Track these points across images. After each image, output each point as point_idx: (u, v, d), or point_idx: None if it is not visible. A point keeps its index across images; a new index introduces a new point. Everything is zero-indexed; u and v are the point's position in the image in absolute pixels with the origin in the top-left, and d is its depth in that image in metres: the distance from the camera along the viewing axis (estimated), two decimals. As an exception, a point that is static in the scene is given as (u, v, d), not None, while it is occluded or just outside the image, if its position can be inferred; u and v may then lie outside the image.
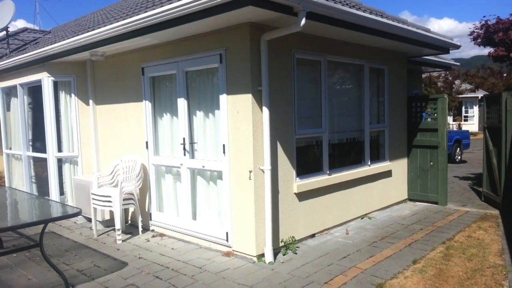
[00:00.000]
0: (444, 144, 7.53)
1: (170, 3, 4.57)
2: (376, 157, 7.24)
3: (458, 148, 14.71)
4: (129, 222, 6.81)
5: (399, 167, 7.72)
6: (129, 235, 6.20)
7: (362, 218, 6.76)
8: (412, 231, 6.09)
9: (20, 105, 8.00)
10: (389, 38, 6.16)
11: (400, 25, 6.18)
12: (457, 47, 7.80)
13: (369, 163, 6.92)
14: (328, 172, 6.07)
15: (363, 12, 5.54)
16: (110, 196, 5.92)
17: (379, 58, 7.12)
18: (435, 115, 7.66)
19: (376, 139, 7.32)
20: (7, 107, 8.83)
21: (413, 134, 7.88)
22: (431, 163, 7.68)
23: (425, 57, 9.04)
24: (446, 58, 11.23)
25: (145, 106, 6.33)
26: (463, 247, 5.31)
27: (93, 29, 5.84)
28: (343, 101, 6.71)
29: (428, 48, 7.33)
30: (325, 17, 4.85)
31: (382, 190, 7.26)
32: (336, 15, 4.95)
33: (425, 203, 7.79)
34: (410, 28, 6.42)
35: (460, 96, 32.13)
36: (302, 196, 5.62)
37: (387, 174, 7.36)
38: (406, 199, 7.98)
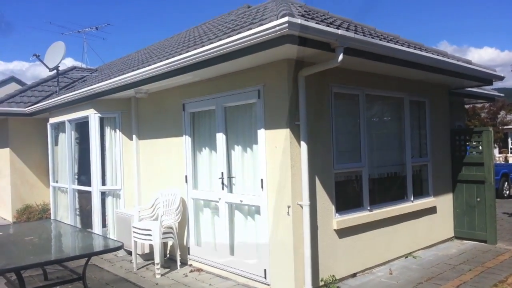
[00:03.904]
0: (491, 179, 7.19)
1: (211, 43, 4.75)
2: (419, 193, 6.98)
3: (506, 183, 13.97)
4: (168, 255, 6.84)
5: (444, 203, 7.41)
6: (167, 269, 6.21)
7: (406, 257, 6.47)
8: (460, 271, 5.76)
9: (67, 140, 8.39)
10: (429, 71, 6.06)
11: (439, 57, 6.09)
12: (500, 78, 7.55)
13: (412, 199, 6.68)
14: (369, 208, 5.90)
15: (401, 45, 5.51)
16: (150, 230, 6.00)
17: (419, 90, 7.00)
18: (480, 148, 7.36)
19: (419, 173, 7.09)
20: (55, 142, 9.28)
21: (458, 168, 7.58)
22: (478, 199, 7.31)
23: (467, 89, 8.80)
24: (489, 89, 10.90)
25: (185, 141, 6.47)
26: (518, 290, 4.95)
27: (138, 68, 6.12)
28: (383, 134, 6.59)
29: (470, 80, 7.14)
30: (363, 52, 4.86)
31: (427, 228, 6.95)
32: (374, 50, 4.95)
33: (473, 242, 7.38)
34: (450, 60, 6.31)
35: (505, 127, 30.81)
36: (342, 233, 5.47)
37: (432, 210, 7.06)
38: (453, 237, 7.60)
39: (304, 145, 4.91)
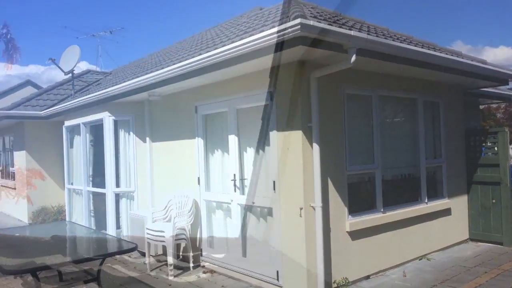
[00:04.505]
0: (506, 180, 7.08)
1: (223, 45, 4.77)
2: (433, 194, 6.90)
3: (523, 184, 13.71)
4: (181, 257, 6.88)
5: (459, 204, 7.31)
6: (180, 271, 6.25)
7: (420, 259, 6.40)
8: (476, 274, 5.68)
9: (82, 142, 8.50)
10: (443, 71, 6.00)
11: (453, 57, 6.03)
12: (516, 78, 7.44)
13: (426, 201, 6.61)
14: (382, 210, 5.86)
15: (415, 46, 5.47)
16: (163, 231, 6.05)
17: (433, 91, 6.93)
18: (496, 149, 7.26)
19: (433, 175, 7.01)
20: (71, 144, 9.40)
21: (473, 169, 7.48)
22: (494, 201, 7.21)
23: (483, 89, 8.68)
24: (505, 89, 10.74)
25: (198, 143, 6.51)
26: (536, 294, 4.86)
27: (152, 71, 6.18)
28: (397, 136, 6.54)
29: (485, 80, 7.05)
30: (376, 53, 4.84)
31: (441, 230, 6.86)
32: (387, 51, 4.92)
33: (488, 244, 7.26)
34: (463, 60, 6.25)
35: (522, 127, 30.27)
36: (355, 235, 5.44)
37: (446, 212, 6.97)
38: (468, 239, 7.49)
39: (316, 147, 4.90)
